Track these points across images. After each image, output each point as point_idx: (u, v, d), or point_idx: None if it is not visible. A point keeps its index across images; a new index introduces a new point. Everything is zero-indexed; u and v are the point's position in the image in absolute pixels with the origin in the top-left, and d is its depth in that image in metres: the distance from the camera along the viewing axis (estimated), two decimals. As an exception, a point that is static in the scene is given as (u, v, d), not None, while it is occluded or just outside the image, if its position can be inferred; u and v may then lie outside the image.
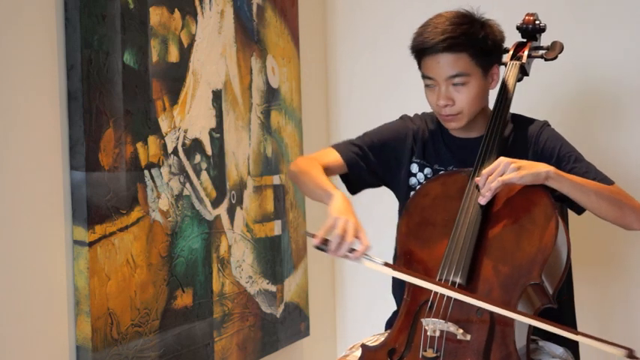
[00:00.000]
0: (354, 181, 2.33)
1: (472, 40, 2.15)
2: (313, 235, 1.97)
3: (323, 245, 1.96)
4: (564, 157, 2.20)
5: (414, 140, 2.31)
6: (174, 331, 2.35)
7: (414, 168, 2.30)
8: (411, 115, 2.38)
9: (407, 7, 3.19)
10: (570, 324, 2.40)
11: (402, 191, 2.33)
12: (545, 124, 2.28)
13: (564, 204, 2.21)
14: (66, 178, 2.06)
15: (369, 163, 2.31)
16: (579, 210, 2.19)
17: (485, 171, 2.07)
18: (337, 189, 2.09)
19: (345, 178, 2.33)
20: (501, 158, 2.06)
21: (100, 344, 2.08)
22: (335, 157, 2.29)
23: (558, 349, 2.20)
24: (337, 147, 2.32)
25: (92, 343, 2.06)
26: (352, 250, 1.96)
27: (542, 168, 2.05)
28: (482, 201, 2.06)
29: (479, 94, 2.19)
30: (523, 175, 2.03)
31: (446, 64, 2.14)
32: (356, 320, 3.34)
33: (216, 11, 2.56)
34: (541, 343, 2.21)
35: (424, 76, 2.20)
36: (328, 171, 2.25)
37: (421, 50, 2.17)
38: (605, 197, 2.11)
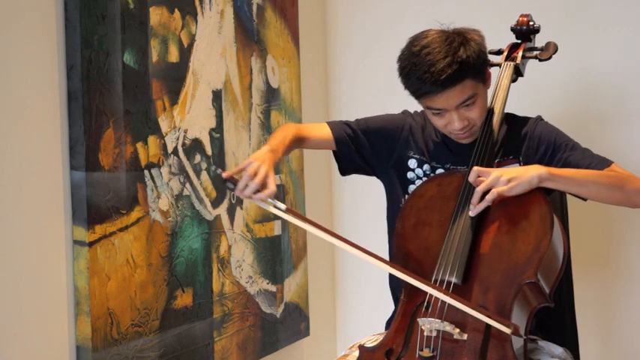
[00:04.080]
0: (343, 161, 2.36)
1: (471, 66, 2.12)
2: (223, 172, 2.02)
3: (231, 184, 2.01)
4: (560, 146, 2.21)
5: (411, 134, 2.32)
6: (174, 331, 2.35)
7: (412, 163, 2.31)
8: (412, 111, 2.39)
9: (407, 6, 3.19)
10: (570, 324, 2.40)
11: (393, 183, 2.34)
12: (539, 118, 2.29)
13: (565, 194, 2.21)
14: (66, 178, 2.06)
15: (359, 146, 2.33)
16: (583, 198, 2.19)
17: (478, 169, 2.08)
18: (273, 147, 2.13)
19: (335, 157, 2.37)
20: (493, 173, 2.06)
21: (100, 344, 2.08)
22: (325, 132, 2.34)
23: (558, 349, 2.20)
24: (331, 124, 2.36)
25: (92, 343, 2.06)
26: (257, 192, 1.99)
27: (533, 173, 2.05)
28: (472, 213, 2.07)
29: (485, 102, 2.22)
30: (513, 187, 2.04)
31: (453, 95, 2.12)
32: (356, 320, 3.34)
33: (216, 11, 2.56)
34: (541, 343, 2.21)
35: (429, 108, 2.17)
36: (312, 142, 2.32)
37: (422, 88, 2.12)
38: (605, 184, 2.11)
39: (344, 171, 2.39)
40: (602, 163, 2.17)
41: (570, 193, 2.17)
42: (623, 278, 2.98)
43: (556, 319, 2.30)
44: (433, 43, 2.12)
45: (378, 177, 2.40)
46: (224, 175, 2.02)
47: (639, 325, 2.95)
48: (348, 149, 2.33)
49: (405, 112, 2.38)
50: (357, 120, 2.37)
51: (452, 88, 2.10)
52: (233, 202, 2.63)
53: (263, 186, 1.99)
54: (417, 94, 2.16)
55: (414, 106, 2.43)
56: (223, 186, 2.03)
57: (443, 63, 2.08)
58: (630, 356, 2.95)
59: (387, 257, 2.32)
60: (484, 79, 2.19)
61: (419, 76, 2.11)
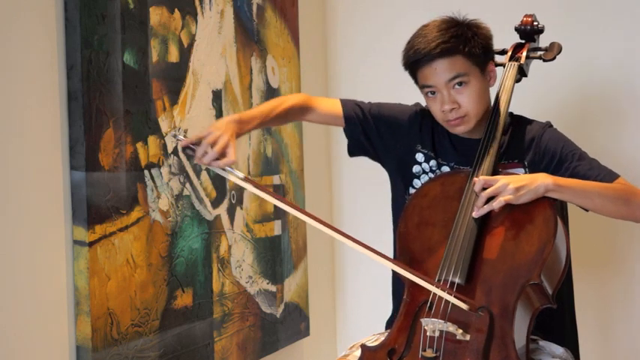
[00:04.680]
0: (350, 141, 2.36)
1: (463, 42, 2.15)
2: (182, 139, 2.03)
3: (190, 150, 2.02)
4: (567, 156, 2.20)
5: (421, 128, 2.31)
6: (174, 331, 2.35)
7: (420, 157, 2.30)
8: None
9: (407, 7, 3.19)
10: (570, 324, 2.40)
11: (398, 174, 2.33)
12: (548, 124, 2.28)
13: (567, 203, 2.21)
14: (66, 178, 2.05)
15: (367, 129, 2.33)
16: (586, 208, 2.19)
17: (483, 178, 2.07)
18: (243, 118, 2.13)
19: (346, 134, 2.36)
20: (500, 177, 2.06)
21: (100, 344, 2.08)
22: (336, 108, 2.33)
23: (558, 349, 2.20)
24: (343, 101, 2.36)
25: (92, 343, 2.06)
26: (216, 160, 2.01)
27: (540, 182, 2.05)
28: (475, 215, 2.07)
29: (480, 93, 2.20)
30: (521, 196, 2.04)
31: (443, 69, 2.15)
32: (356, 320, 3.34)
33: (216, 11, 2.56)
34: (541, 343, 2.21)
35: (423, 86, 2.20)
36: (319, 114, 2.32)
37: (415, 62, 2.18)
38: (610, 197, 2.10)
39: (351, 152, 2.39)
40: (609, 175, 2.16)
41: (574, 204, 2.17)
42: (623, 278, 2.98)
43: (556, 319, 2.30)
44: (435, 22, 2.21)
45: (382, 165, 2.39)
46: (181, 143, 2.03)
47: (639, 325, 2.95)
48: (356, 130, 2.33)
49: (418, 104, 2.37)
50: (369, 103, 2.36)
51: (441, 59, 2.14)
52: (233, 202, 2.63)
53: (222, 155, 2.00)
54: (412, 66, 2.20)
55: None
56: (183, 153, 2.06)
57: (437, 34, 2.16)
58: (630, 356, 2.95)
59: (391, 254, 2.32)
60: (481, 66, 2.20)
61: (412, 46, 2.18)
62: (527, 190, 2.04)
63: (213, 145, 2.00)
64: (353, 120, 2.32)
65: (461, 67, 2.16)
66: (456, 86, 2.16)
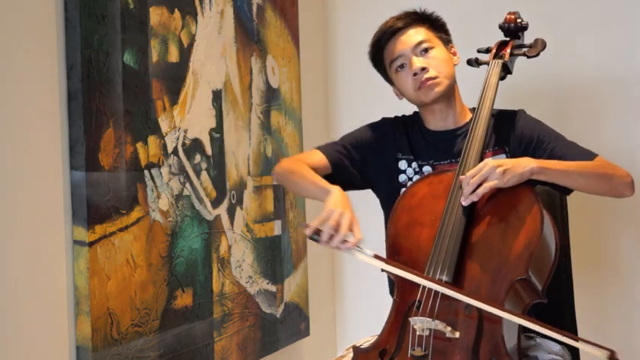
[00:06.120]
0: (339, 181, 2.34)
1: (423, 17, 2.32)
2: (307, 225, 2.01)
3: (315, 235, 2.00)
4: (544, 137, 2.25)
5: (395, 135, 2.36)
6: (174, 331, 2.35)
7: (403, 165, 2.33)
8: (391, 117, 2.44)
9: (407, 7, 3.18)
10: (570, 324, 2.40)
11: (387, 189, 2.35)
12: (521, 111, 2.33)
13: (549, 186, 2.23)
14: (66, 178, 2.06)
15: (352, 161, 2.36)
16: (566, 191, 2.21)
17: (469, 173, 2.08)
18: (334, 185, 2.13)
19: (328, 178, 2.34)
20: (486, 161, 2.07)
21: (100, 344, 2.08)
22: (320, 158, 2.35)
23: (555, 346, 2.20)
24: (321, 148, 2.38)
25: (92, 343, 2.06)
26: (344, 242, 1.98)
27: (525, 165, 2.07)
28: (465, 202, 2.07)
29: (447, 59, 2.31)
30: (508, 180, 2.06)
31: (408, 37, 2.29)
32: (356, 320, 3.34)
33: (216, 11, 2.56)
34: (538, 339, 2.22)
35: (392, 62, 2.30)
36: (314, 171, 2.29)
37: (381, 37, 2.31)
38: (592, 175, 2.14)
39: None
40: (588, 154, 2.20)
41: (558, 185, 2.17)
42: (622, 278, 2.98)
43: (556, 318, 2.30)
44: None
45: (373, 189, 2.42)
46: (307, 231, 2.00)
47: (638, 325, 2.95)
48: (343, 168, 2.35)
49: (384, 118, 2.43)
50: (341, 138, 2.41)
51: (406, 29, 2.30)
52: (233, 202, 2.63)
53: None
54: (378, 46, 2.34)
55: (412, 106, 2.43)
56: (310, 239, 2.03)
57: (398, 15, 2.34)
58: (629, 356, 2.95)
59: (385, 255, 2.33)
60: (444, 41, 2.33)
61: (378, 31, 2.34)
62: (513, 174, 2.06)
63: (337, 227, 1.98)
64: (339, 160, 2.35)
65: (425, 35, 2.30)
66: (422, 52, 2.28)
